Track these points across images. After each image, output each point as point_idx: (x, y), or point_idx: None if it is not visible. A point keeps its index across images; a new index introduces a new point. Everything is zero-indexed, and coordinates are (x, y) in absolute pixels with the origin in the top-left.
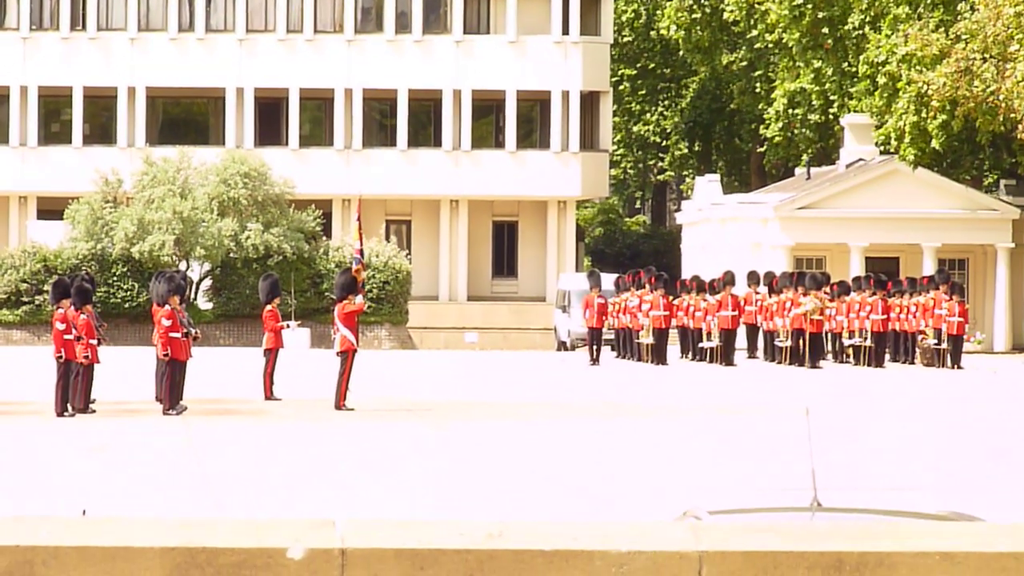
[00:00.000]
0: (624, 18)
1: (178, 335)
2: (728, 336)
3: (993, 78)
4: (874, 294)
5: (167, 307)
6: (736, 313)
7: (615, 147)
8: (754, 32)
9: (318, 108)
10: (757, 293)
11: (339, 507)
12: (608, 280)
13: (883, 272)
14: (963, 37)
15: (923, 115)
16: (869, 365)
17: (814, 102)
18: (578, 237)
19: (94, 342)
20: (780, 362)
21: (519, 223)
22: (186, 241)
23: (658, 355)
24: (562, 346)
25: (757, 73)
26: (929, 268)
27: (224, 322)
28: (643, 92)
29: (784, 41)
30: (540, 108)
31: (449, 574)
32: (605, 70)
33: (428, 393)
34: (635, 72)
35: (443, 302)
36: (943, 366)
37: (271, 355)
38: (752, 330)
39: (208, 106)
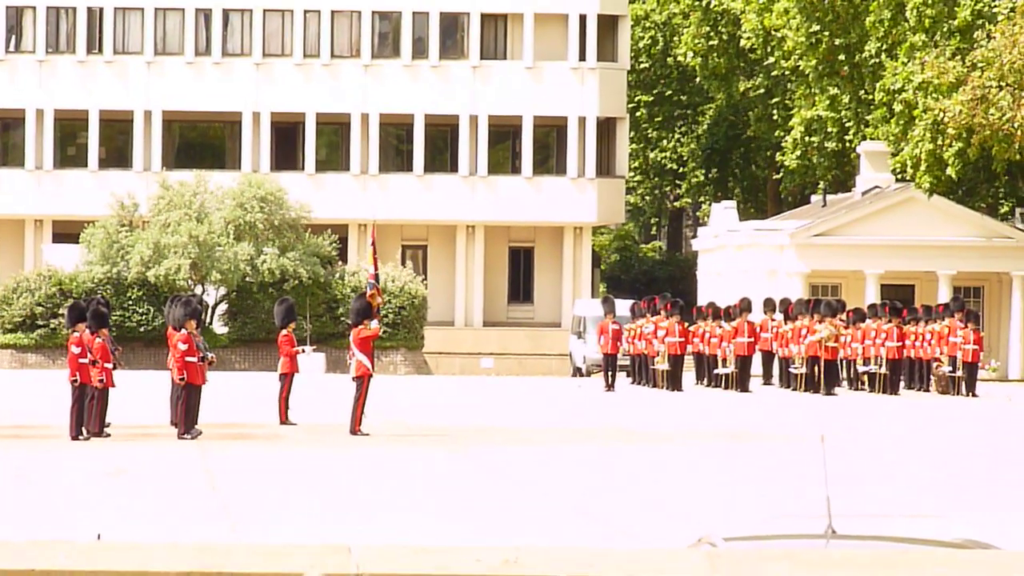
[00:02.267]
0: (641, 44)
1: (194, 359)
2: (743, 363)
3: (1009, 106)
4: (889, 321)
5: (183, 331)
6: (751, 340)
7: (631, 173)
8: (771, 59)
9: (335, 133)
10: (773, 320)
11: (355, 533)
12: (623, 306)
13: (898, 299)
14: (979, 65)
15: (939, 143)
16: (884, 392)
17: (830, 129)
18: (594, 263)
19: (109, 366)
20: (795, 389)
21: (535, 249)
22: (202, 265)
23: (673, 381)
24: (577, 372)
25: (774, 100)
26: (944, 296)
27: (239, 346)
28: (660, 118)
29: (801, 68)
30: (556, 134)
31: None
32: (622, 96)
33: (443, 418)
34: (652, 98)
35: (459, 327)
36: (958, 394)
37: (286, 380)
38: (767, 357)
39: (224, 130)
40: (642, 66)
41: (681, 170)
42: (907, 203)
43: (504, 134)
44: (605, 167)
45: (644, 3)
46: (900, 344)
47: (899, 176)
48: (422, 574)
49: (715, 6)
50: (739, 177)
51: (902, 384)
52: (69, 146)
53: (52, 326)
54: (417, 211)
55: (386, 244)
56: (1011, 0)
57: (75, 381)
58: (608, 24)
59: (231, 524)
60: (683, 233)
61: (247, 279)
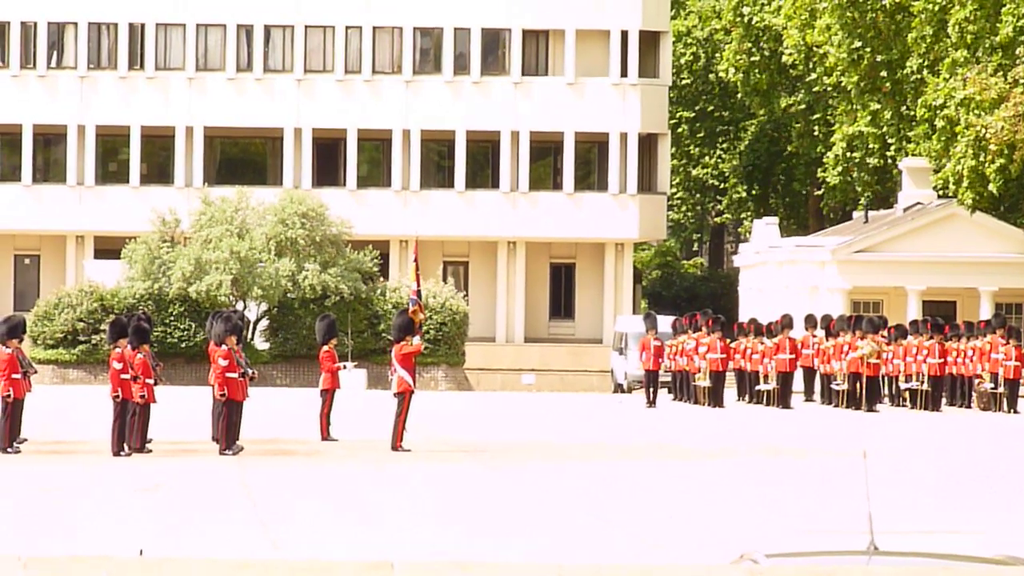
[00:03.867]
0: (682, 60)
1: (235, 375)
2: (785, 379)
3: None
4: (931, 338)
5: (224, 347)
6: (793, 356)
7: (673, 190)
8: (812, 75)
9: (376, 149)
10: (814, 336)
11: (396, 549)
12: (665, 322)
13: (940, 316)
14: (1021, 81)
15: (981, 159)
16: (926, 409)
17: (872, 145)
18: (635, 279)
19: (151, 382)
20: (837, 405)
21: (576, 265)
22: (243, 281)
23: (715, 398)
24: (619, 388)
25: (815, 116)
26: (986, 312)
27: (281, 362)
28: (701, 135)
29: (842, 84)
30: (598, 150)
31: None
32: (663, 112)
33: (484, 435)
34: (693, 114)
35: (500, 343)
36: (999, 410)
37: (328, 396)
38: (809, 373)
39: (266, 146)
40: (684, 82)
41: (722, 186)
42: (949, 219)
43: (545, 150)
44: (646, 183)
45: (686, 19)
46: (942, 361)
47: (941, 192)
48: None
49: (757, 22)
50: (780, 193)
51: (944, 401)
52: (111, 162)
53: (93, 342)
54: (458, 227)
55: (427, 260)
56: None
57: (117, 397)
58: (650, 40)
59: (272, 540)
60: (724, 249)
61: (288, 295)
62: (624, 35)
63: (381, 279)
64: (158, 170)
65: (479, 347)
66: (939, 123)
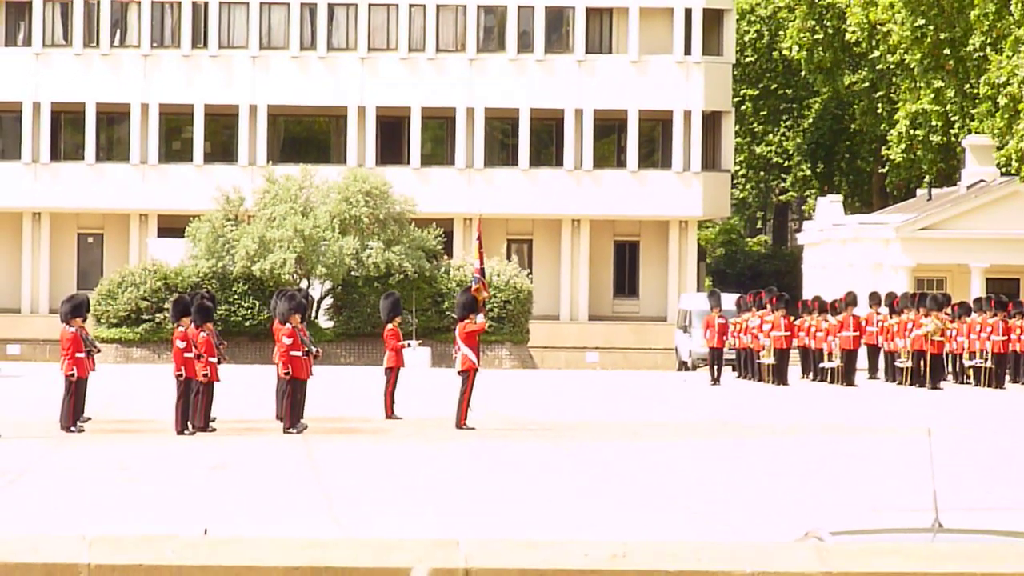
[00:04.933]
0: (746, 38)
1: (299, 353)
2: (849, 357)
3: None
4: (995, 315)
5: (288, 325)
6: (857, 334)
7: (737, 167)
8: (876, 53)
9: (440, 127)
10: (878, 314)
11: (461, 527)
12: (729, 300)
13: (1004, 293)
14: None
15: None
16: (989, 386)
17: (935, 123)
18: (699, 257)
19: (214, 360)
20: (901, 383)
21: (640, 243)
22: (307, 259)
23: (779, 375)
24: (683, 366)
25: (879, 94)
26: None
27: (345, 341)
28: (765, 112)
29: (906, 62)
30: (662, 128)
31: None
32: (727, 90)
33: (549, 413)
34: (757, 92)
35: (564, 321)
36: None
37: (392, 374)
38: (873, 351)
39: (330, 124)
40: (747, 60)
41: (786, 164)
42: (1012, 197)
43: (609, 128)
44: (710, 161)
45: None
46: (1005, 338)
47: (1004, 170)
48: (531, 568)
49: (820, 0)
50: (844, 171)
51: (1007, 378)
52: (174, 140)
53: (157, 320)
54: (522, 205)
55: (491, 238)
56: None
57: (180, 375)
58: (713, 18)
59: (337, 518)
60: (788, 227)
61: (352, 273)
62: (688, 13)
63: (445, 257)
64: (222, 148)
65: (543, 325)
66: (1002, 100)
